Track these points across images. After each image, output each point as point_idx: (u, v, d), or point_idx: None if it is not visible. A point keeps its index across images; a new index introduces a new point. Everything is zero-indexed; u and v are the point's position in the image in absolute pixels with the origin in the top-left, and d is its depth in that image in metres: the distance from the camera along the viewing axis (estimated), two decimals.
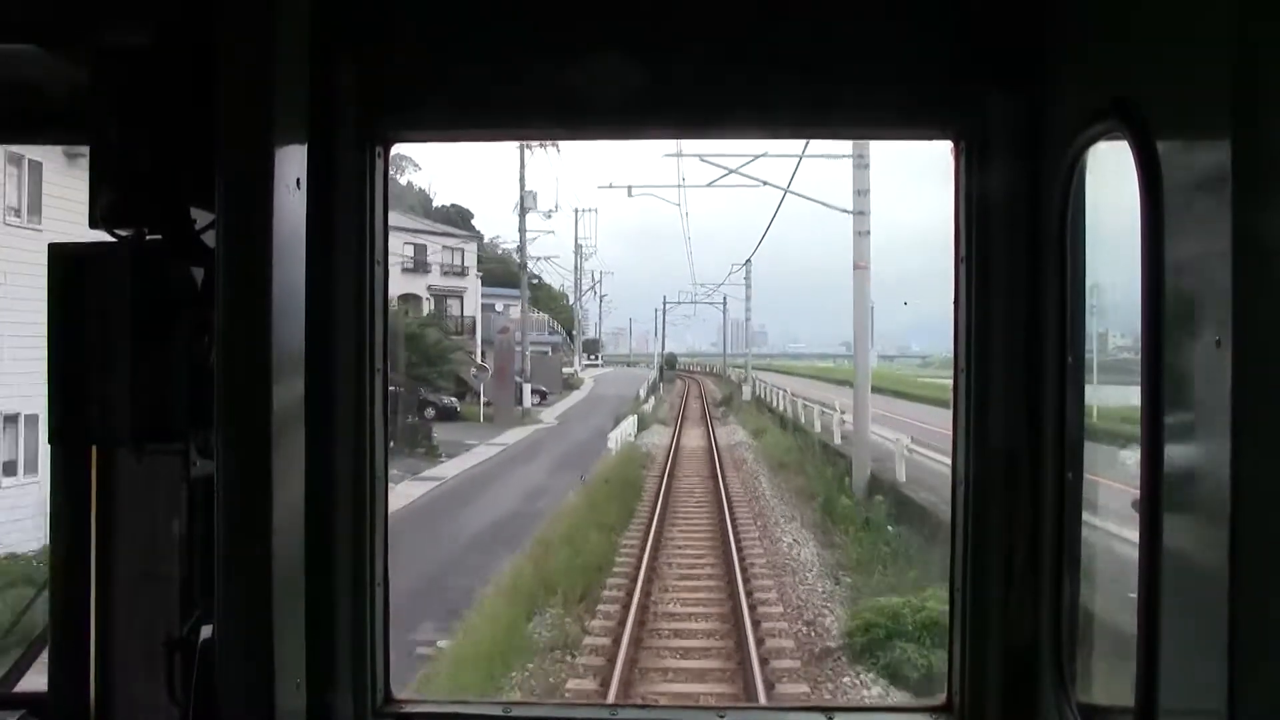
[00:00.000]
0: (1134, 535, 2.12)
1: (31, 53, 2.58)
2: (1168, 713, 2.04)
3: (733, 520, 22.81)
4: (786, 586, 17.60)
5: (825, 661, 13.73)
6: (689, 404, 68.28)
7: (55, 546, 2.64)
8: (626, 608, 15.69)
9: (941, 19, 2.94)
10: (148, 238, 2.53)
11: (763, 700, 11.55)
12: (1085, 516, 2.70)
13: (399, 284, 51.35)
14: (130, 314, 2.45)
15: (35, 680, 2.78)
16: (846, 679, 13.09)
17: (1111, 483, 2.85)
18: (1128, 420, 2.30)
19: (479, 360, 57.45)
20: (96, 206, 2.53)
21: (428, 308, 59.73)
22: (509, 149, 59.77)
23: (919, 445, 24.58)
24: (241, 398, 2.26)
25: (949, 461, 3.07)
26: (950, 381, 3.06)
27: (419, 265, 58.95)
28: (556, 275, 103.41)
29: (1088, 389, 2.74)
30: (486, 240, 75.80)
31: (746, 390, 68.92)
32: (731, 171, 37.86)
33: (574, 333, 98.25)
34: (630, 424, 45.41)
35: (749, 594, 16.39)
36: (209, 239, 2.38)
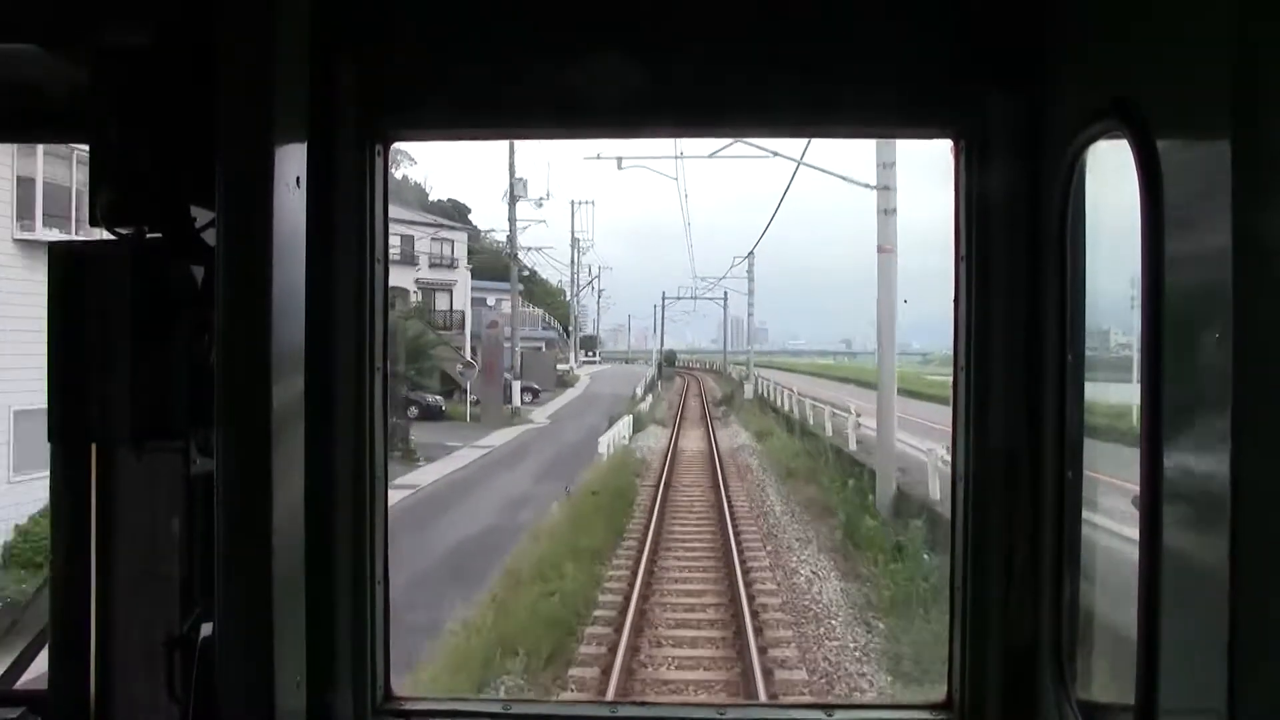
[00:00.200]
0: (1134, 534, 2.12)
1: (31, 53, 2.57)
2: (1168, 712, 2.03)
3: (738, 544, 19.42)
4: (809, 640, 14.12)
5: None
6: (688, 402, 64.95)
7: (55, 546, 2.62)
8: (606, 673, 12.38)
9: (941, 19, 2.93)
10: (148, 237, 2.52)
11: (763, 697, 11.32)
12: (1085, 515, 2.68)
13: None
14: (130, 313, 2.45)
15: (35, 680, 2.77)
16: None
17: (1111, 479, 2.79)
18: (1126, 418, 2.38)
19: (467, 356, 54.78)
20: (97, 206, 2.53)
21: (416, 301, 56.88)
22: None
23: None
24: (241, 397, 2.25)
25: None
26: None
27: (406, 257, 56.36)
28: (554, 271, 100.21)
29: (1090, 387, 2.72)
30: (482, 232, 72.40)
31: (748, 388, 65.69)
32: (736, 141, 34.52)
33: (570, 328, 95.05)
34: (625, 425, 42.30)
35: (762, 651, 13.04)
36: (209, 238, 2.37)
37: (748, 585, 16.42)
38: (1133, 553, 2.12)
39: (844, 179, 24.51)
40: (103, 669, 2.60)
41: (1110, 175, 2.47)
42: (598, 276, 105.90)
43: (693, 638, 14.13)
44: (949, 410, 3.07)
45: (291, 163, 2.34)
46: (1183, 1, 2.08)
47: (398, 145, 3.38)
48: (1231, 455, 1.80)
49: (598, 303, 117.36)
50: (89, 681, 2.59)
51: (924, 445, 21.57)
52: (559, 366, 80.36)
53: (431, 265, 60.39)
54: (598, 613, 15.22)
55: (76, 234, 17.70)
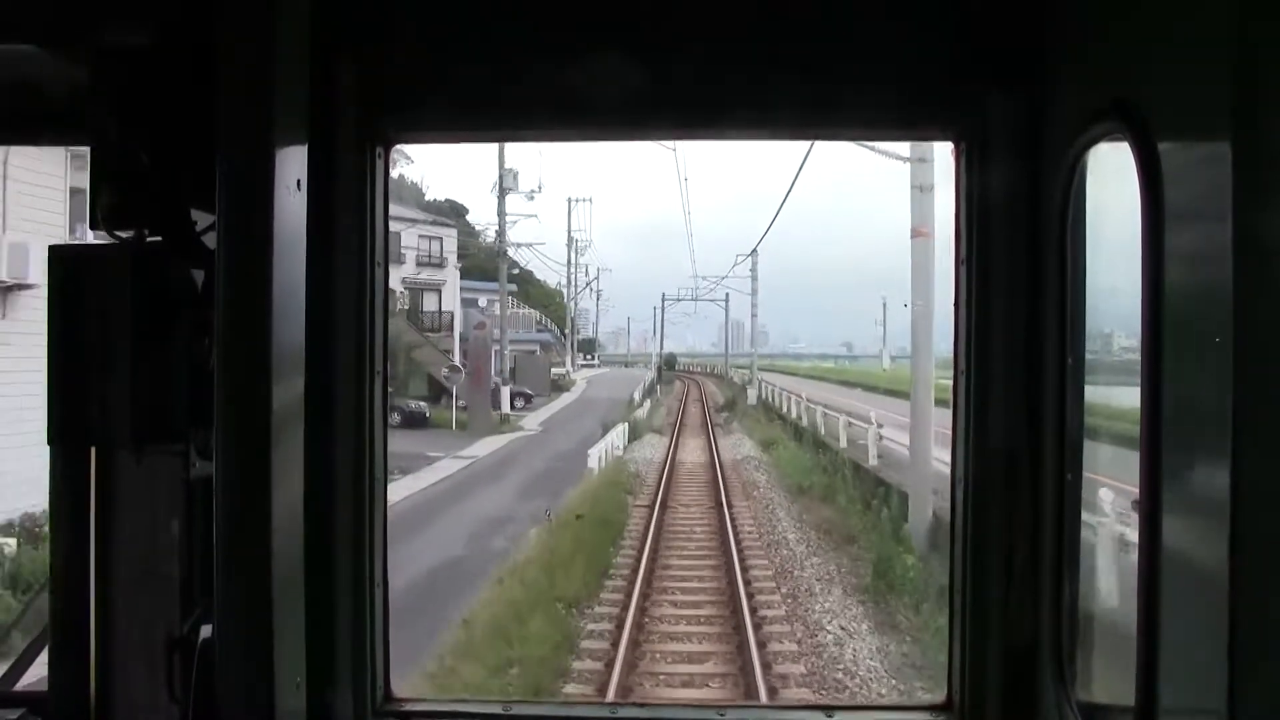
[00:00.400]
0: (1134, 536, 2.11)
1: (31, 53, 2.58)
2: (1168, 712, 2.03)
3: (747, 588, 15.90)
4: None
5: None
6: (688, 408, 61.47)
7: (55, 546, 2.62)
8: None
9: (941, 19, 2.92)
10: (148, 239, 2.52)
11: (763, 699, 10.99)
12: (1086, 518, 2.69)
13: None
14: (130, 315, 2.45)
15: (35, 680, 2.76)
16: None
17: (1112, 482, 2.80)
18: (1127, 419, 2.32)
19: (457, 360, 51.66)
20: (97, 207, 2.53)
21: (402, 302, 53.66)
22: None
23: None
24: (241, 398, 2.25)
25: None
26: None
27: (393, 255, 52.02)
28: (552, 273, 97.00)
29: (1091, 388, 2.72)
30: (479, 231, 68.96)
31: (751, 393, 62.24)
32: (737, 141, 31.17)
33: (567, 331, 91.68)
34: (619, 434, 38.94)
35: None
36: (209, 240, 2.37)
37: (761, 647, 13.04)
38: (1132, 553, 2.11)
39: (871, 148, 21.13)
40: (103, 670, 2.58)
41: (1110, 176, 2.45)
42: (596, 278, 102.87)
43: None
44: None
45: (292, 164, 2.34)
46: (1183, 2, 2.08)
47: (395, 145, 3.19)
48: (1231, 455, 1.80)
49: (596, 305, 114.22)
50: (89, 683, 2.58)
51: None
52: (554, 370, 77.14)
53: (419, 264, 57.39)
54: (568, 689, 11.84)
55: None
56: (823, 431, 34.78)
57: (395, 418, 38.91)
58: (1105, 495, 2.78)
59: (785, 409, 48.13)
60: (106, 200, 2.50)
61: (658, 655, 13.20)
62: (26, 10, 2.52)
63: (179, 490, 2.48)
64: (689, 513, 23.85)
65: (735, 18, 2.93)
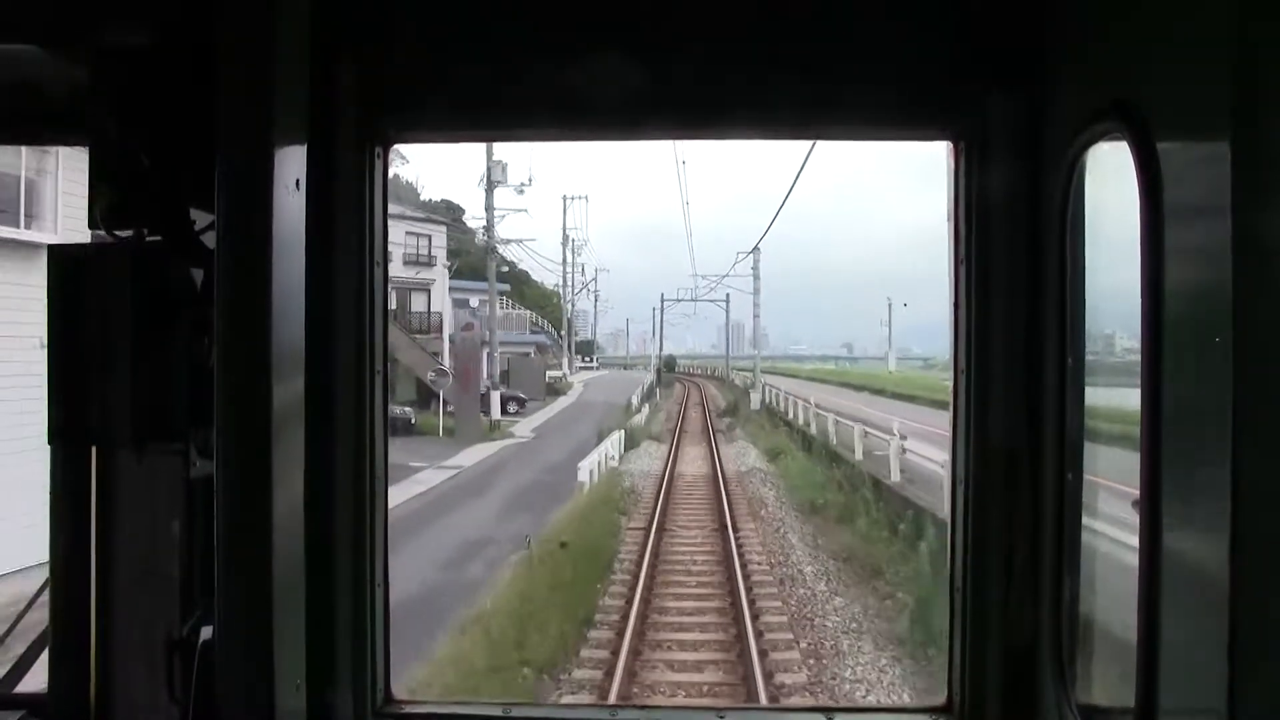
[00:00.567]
0: (1134, 537, 2.11)
1: (31, 53, 2.58)
2: (1168, 713, 2.03)
3: (759, 640, 13.23)
4: None
5: None
6: (688, 413, 58.49)
7: (55, 546, 2.62)
8: None
9: (941, 19, 2.92)
10: (147, 238, 2.52)
11: (763, 700, 10.83)
12: (1085, 520, 2.68)
13: None
14: (130, 314, 2.45)
15: (35, 680, 2.77)
16: None
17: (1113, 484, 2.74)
18: (1127, 419, 2.32)
19: (446, 362, 48.99)
20: (96, 207, 2.53)
21: (389, 302, 50.75)
22: None
23: None
24: (241, 398, 2.25)
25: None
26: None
27: None
28: (549, 274, 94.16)
29: (1090, 389, 2.71)
30: (477, 230, 66.06)
31: (755, 398, 59.20)
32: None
33: (563, 332, 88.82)
34: (615, 443, 36.12)
35: None
36: (209, 239, 2.37)
37: None
38: (1133, 554, 2.12)
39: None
40: (103, 671, 2.58)
41: (1110, 176, 2.45)
42: (594, 279, 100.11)
43: None
44: None
45: (291, 164, 2.34)
46: (1183, 2, 2.08)
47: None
48: (1231, 455, 1.80)
49: (594, 306, 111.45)
50: (89, 684, 2.58)
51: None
52: (550, 373, 74.25)
53: (406, 262, 54.61)
54: None
55: None
56: (834, 441, 31.95)
57: None
58: (1109, 501, 2.68)
59: (791, 414, 45.32)
60: (106, 200, 2.50)
61: None
62: (26, 10, 2.54)
63: (179, 490, 2.48)
64: (689, 537, 20.96)
65: (735, 17, 2.93)
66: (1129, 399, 2.19)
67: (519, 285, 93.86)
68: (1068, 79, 2.62)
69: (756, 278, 63.67)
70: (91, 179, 2.53)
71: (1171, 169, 2.03)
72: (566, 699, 11.62)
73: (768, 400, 56.88)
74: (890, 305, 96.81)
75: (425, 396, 44.53)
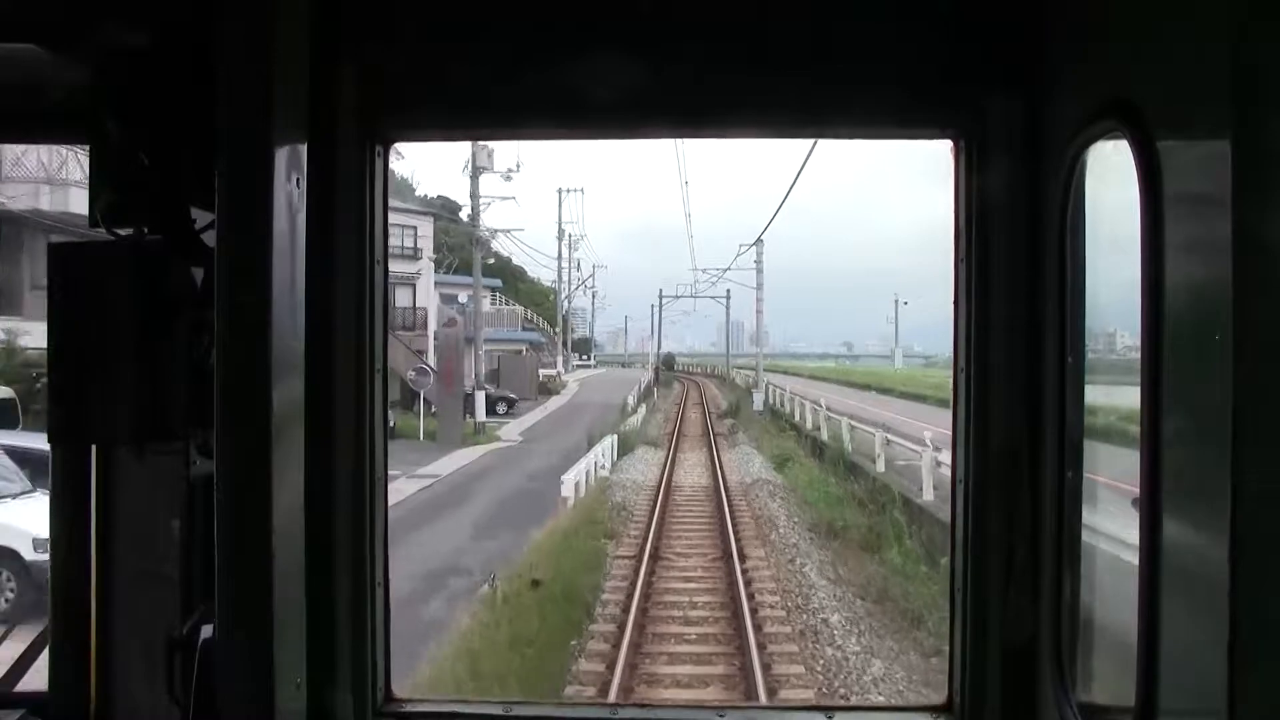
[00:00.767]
0: (1134, 537, 2.10)
1: (31, 53, 2.57)
2: (1167, 712, 2.02)
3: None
4: None
5: None
6: (687, 414, 55.22)
7: (55, 546, 2.62)
8: None
9: (941, 18, 2.91)
10: (147, 237, 2.52)
11: (763, 700, 10.56)
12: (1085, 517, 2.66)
13: None
14: (130, 314, 2.45)
15: (35, 680, 2.76)
16: None
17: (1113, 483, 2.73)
18: (1127, 418, 2.33)
19: (430, 360, 45.85)
20: (96, 206, 2.53)
21: None
22: None
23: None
24: (241, 398, 2.25)
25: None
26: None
27: None
28: (546, 270, 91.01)
29: (1091, 388, 2.70)
30: (462, 221, 62.74)
31: (758, 398, 55.96)
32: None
33: (558, 329, 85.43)
34: (607, 448, 32.92)
35: None
36: (209, 239, 2.36)
37: None
38: (1132, 554, 2.11)
39: None
40: (103, 671, 2.58)
41: (1110, 175, 2.45)
42: (592, 275, 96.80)
43: None
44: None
45: (291, 163, 2.33)
46: (1183, 1, 2.07)
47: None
48: (1231, 455, 1.80)
49: (592, 303, 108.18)
50: (89, 683, 2.57)
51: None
52: (544, 372, 70.92)
53: (390, 256, 51.12)
54: None
55: None
56: (849, 448, 28.71)
57: None
58: (1108, 498, 2.66)
59: (798, 416, 42.13)
60: (106, 199, 2.50)
61: None
62: (27, 10, 2.52)
63: (179, 489, 2.47)
64: (687, 569, 17.66)
65: (735, 17, 2.92)
66: (1131, 397, 2.16)
67: (514, 281, 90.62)
68: (1068, 77, 2.61)
69: (760, 271, 60.33)
70: (92, 178, 2.57)
71: (1172, 167, 2.03)
72: (567, 695, 11.23)
73: (771, 400, 53.71)
74: (897, 302, 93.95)
75: (408, 397, 41.49)
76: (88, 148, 2.59)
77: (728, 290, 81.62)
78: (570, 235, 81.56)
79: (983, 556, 2.85)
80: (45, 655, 2.64)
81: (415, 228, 54.13)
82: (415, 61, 2.94)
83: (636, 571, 16.86)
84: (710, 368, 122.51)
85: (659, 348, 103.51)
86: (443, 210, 67.80)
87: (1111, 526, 2.59)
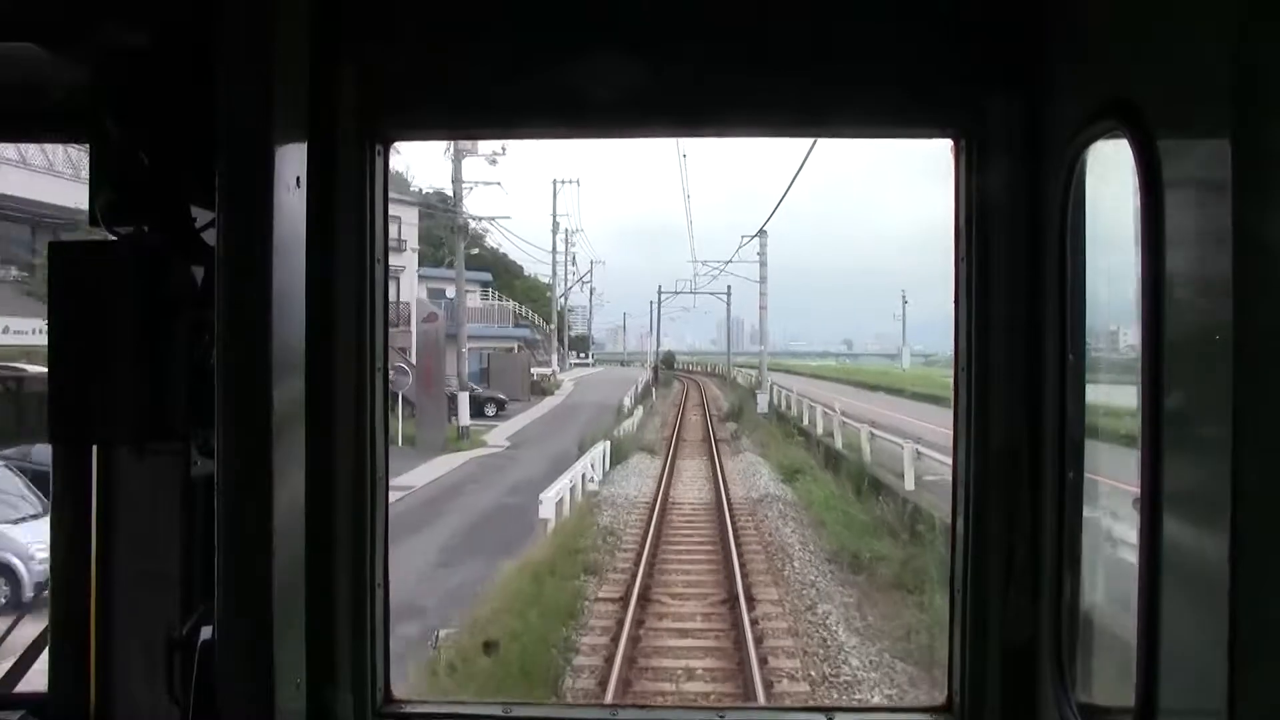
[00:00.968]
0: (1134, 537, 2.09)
1: (31, 52, 2.56)
2: (1167, 712, 2.02)
3: None
4: None
5: None
6: (686, 417, 51.89)
7: (55, 546, 2.62)
8: None
9: (941, 18, 2.90)
10: (148, 237, 2.52)
11: (762, 699, 10.42)
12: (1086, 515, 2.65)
13: None
14: (130, 313, 2.44)
15: (35, 680, 2.75)
16: None
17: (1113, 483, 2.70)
18: (1128, 418, 2.30)
19: (412, 358, 42.68)
20: (96, 205, 2.53)
21: None
22: None
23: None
24: (241, 397, 2.25)
25: None
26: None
27: None
28: (542, 265, 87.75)
29: (1091, 388, 2.68)
30: (447, 207, 59.46)
31: (762, 400, 52.58)
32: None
33: (553, 325, 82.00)
34: (597, 457, 29.69)
35: None
36: (209, 238, 2.37)
37: None
38: (1133, 553, 2.09)
39: None
40: (103, 671, 2.57)
41: (1110, 175, 2.44)
42: (589, 271, 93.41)
43: None
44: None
45: (291, 163, 2.34)
46: (1183, 1, 2.07)
47: None
48: (1231, 455, 1.79)
49: (590, 300, 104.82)
50: (89, 684, 2.56)
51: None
52: (538, 371, 67.44)
53: None
54: None
55: None
56: (868, 459, 25.39)
57: None
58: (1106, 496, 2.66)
59: (806, 420, 38.85)
60: (106, 198, 2.50)
61: None
62: (27, 10, 2.52)
63: (180, 489, 2.48)
64: (684, 615, 14.47)
65: (735, 17, 2.90)
66: (1130, 397, 2.11)
67: (509, 277, 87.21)
68: (1068, 77, 2.61)
69: (763, 265, 56.67)
70: (92, 178, 2.57)
71: (1172, 167, 2.03)
72: (566, 699, 10.94)
73: (776, 402, 50.39)
74: (904, 300, 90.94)
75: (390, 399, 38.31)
76: (88, 148, 2.59)
77: (728, 286, 78.23)
78: (566, 229, 78.22)
79: (983, 556, 2.84)
80: (45, 655, 2.63)
81: (399, 217, 50.86)
82: (415, 61, 2.95)
83: (620, 623, 13.66)
84: (711, 366, 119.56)
85: (658, 346, 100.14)
86: (440, 205, 64.41)
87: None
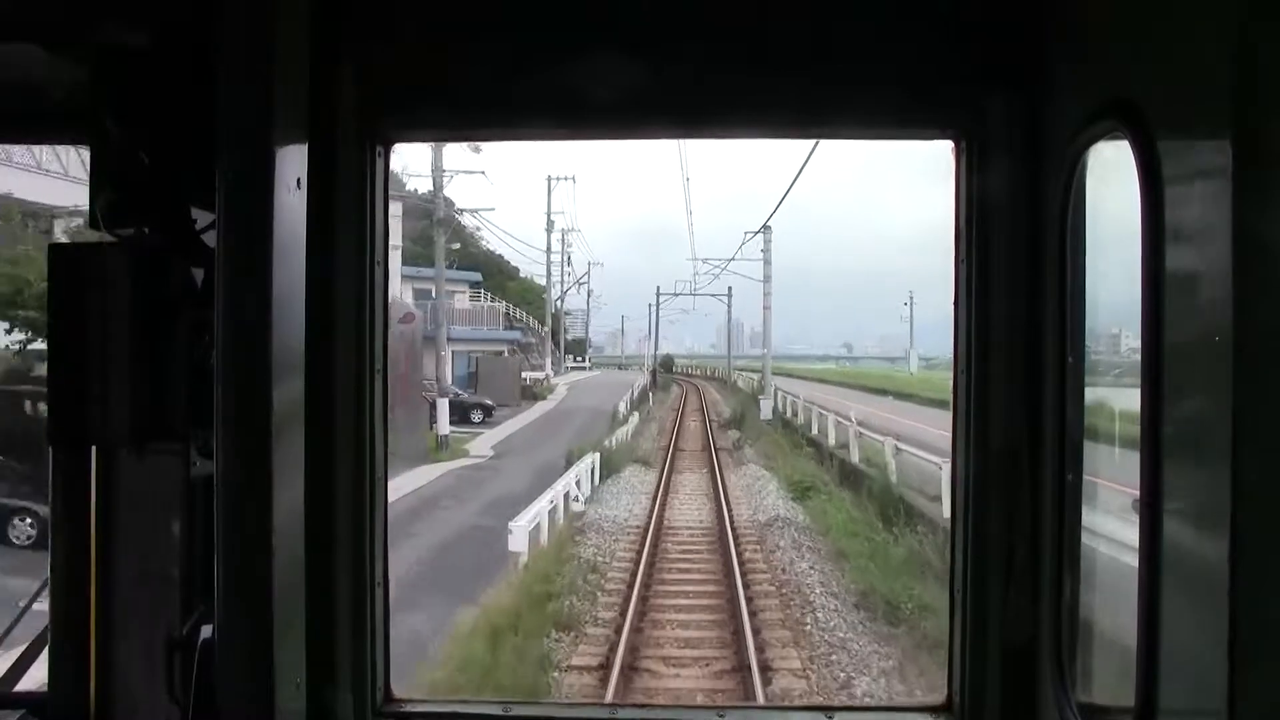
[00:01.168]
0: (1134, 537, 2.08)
1: (31, 52, 2.57)
2: (1167, 712, 2.02)
3: None
4: None
5: None
6: (685, 424, 48.62)
7: (55, 546, 2.62)
8: None
9: (941, 19, 2.92)
10: (148, 237, 2.53)
11: (761, 699, 10.40)
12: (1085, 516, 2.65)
13: None
14: (130, 314, 2.46)
15: (36, 680, 2.74)
16: None
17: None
18: (1127, 419, 2.29)
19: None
20: (96, 206, 2.53)
21: None
22: None
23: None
24: (241, 398, 2.25)
25: None
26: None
27: None
28: (538, 266, 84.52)
29: (1090, 388, 2.68)
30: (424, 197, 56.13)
31: (765, 406, 49.29)
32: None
33: (546, 328, 78.60)
34: (585, 472, 26.56)
35: None
36: (209, 239, 2.37)
37: None
38: (1132, 554, 2.09)
39: None
40: (103, 671, 2.57)
41: (1110, 175, 2.44)
42: (587, 273, 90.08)
43: None
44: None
45: (291, 163, 2.34)
46: (1183, 1, 2.07)
47: None
48: (1231, 455, 1.79)
49: (587, 302, 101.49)
50: (89, 684, 2.56)
51: None
52: (530, 375, 64.00)
53: None
54: None
55: None
56: (894, 477, 22.11)
57: None
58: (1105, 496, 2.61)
59: (815, 429, 35.58)
60: (107, 199, 2.50)
61: None
62: (27, 9, 2.53)
63: (179, 490, 2.48)
64: (681, 691, 11.22)
65: (735, 17, 2.92)
66: (1130, 399, 2.11)
67: (502, 278, 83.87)
68: (1068, 77, 2.61)
69: (768, 263, 53.24)
70: (92, 178, 2.55)
71: (1172, 167, 2.03)
72: (565, 697, 10.57)
73: (780, 408, 47.12)
74: (911, 301, 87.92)
75: None
76: (88, 148, 2.59)
77: (729, 287, 74.98)
78: (562, 228, 74.95)
79: (983, 556, 2.85)
80: (45, 655, 2.62)
81: (396, 216, 47.67)
82: (415, 61, 2.96)
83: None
84: (711, 370, 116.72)
85: (656, 349, 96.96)
86: (418, 197, 61.07)
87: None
